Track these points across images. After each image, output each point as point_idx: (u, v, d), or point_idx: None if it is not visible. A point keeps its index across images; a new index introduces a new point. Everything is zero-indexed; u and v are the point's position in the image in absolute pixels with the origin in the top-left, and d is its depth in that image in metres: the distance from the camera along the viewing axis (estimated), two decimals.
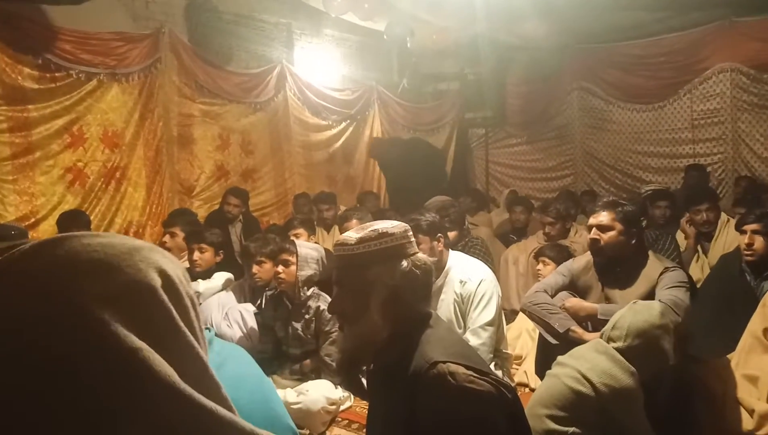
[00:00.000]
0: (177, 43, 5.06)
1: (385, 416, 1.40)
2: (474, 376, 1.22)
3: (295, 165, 6.11)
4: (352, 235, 1.38)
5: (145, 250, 0.57)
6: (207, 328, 1.25)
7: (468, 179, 8.35)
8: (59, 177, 4.27)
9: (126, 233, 4.61)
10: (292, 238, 3.75)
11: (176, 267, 0.61)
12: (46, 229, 4.05)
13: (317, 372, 3.21)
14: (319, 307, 3.24)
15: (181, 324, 0.57)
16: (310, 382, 3.09)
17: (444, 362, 1.23)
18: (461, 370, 1.22)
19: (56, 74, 4.26)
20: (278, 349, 3.34)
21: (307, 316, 3.24)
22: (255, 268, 3.42)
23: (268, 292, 3.39)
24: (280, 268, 3.21)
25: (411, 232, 1.44)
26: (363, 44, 7.13)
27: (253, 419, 1.05)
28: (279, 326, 3.30)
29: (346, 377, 1.57)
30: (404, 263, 1.36)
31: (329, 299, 3.33)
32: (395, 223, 1.44)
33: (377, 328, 1.37)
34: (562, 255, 3.42)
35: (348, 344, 1.47)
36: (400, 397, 1.30)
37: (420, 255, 1.42)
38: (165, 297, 0.56)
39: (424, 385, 1.23)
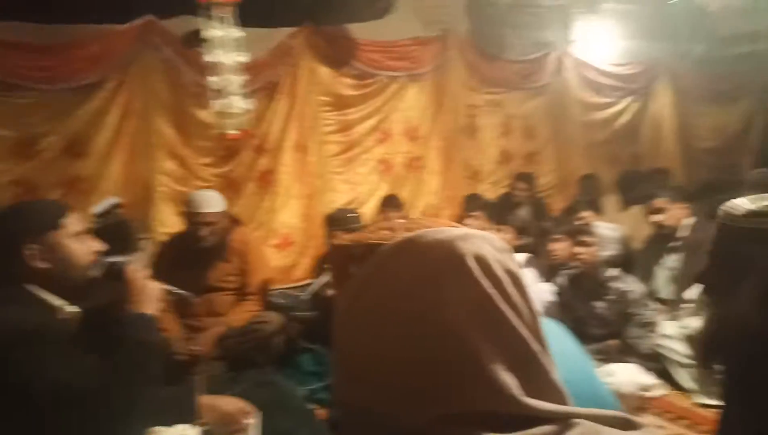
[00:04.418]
0: (461, 41, 5.22)
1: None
2: None
3: (576, 146, 5.79)
4: (743, 205, 1.15)
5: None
6: None
7: None
8: (373, 168, 4.79)
9: (425, 215, 4.96)
10: (583, 220, 3.55)
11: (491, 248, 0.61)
12: (366, 211, 4.57)
13: (621, 354, 2.97)
14: (621, 288, 3.00)
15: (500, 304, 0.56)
16: (615, 364, 2.87)
17: None
18: None
19: (368, 81, 4.77)
20: (577, 328, 3.17)
21: (609, 297, 3.02)
22: (553, 246, 3.31)
23: (566, 271, 3.26)
24: (580, 249, 3.05)
25: None
26: (645, 13, 6.36)
27: (580, 399, 0.94)
28: (579, 306, 3.14)
29: (703, 366, 1.35)
30: None
31: (633, 280, 3.06)
32: None
33: (749, 315, 1.10)
34: None
35: (711, 326, 1.25)
36: None
37: None
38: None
39: None
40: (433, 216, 4.99)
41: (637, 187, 4.69)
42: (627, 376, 2.74)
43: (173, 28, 4.07)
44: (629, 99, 6.13)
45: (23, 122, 3.69)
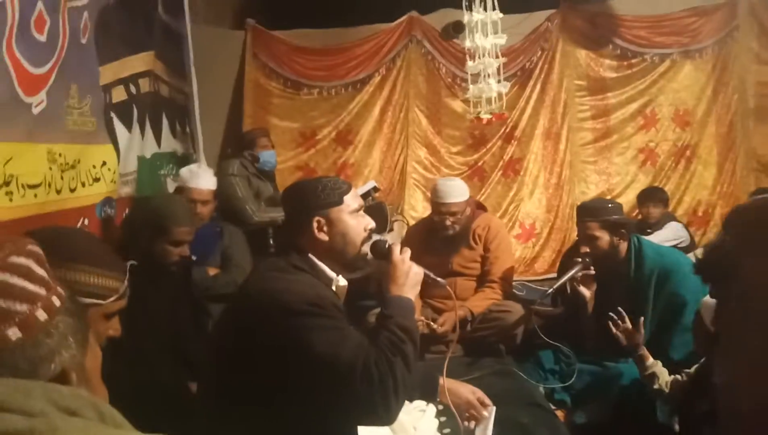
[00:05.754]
0: (756, 6, 4.30)
1: None
2: None
3: None
4: None
5: None
6: None
7: None
8: (632, 157, 4.33)
9: (694, 213, 4.31)
10: None
11: None
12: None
13: None
14: None
15: None
16: None
17: None
18: None
19: (632, 61, 4.29)
20: None
21: None
22: None
23: None
24: None
25: None
26: None
27: None
28: None
29: None
30: None
31: None
32: None
33: None
34: None
35: None
36: None
37: None
38: None
39: None
40: (704, 214, 4.29)
41: None
42: None
43: (432, 22, 4.25)
44: None
45: (306, 116, 4.29)
